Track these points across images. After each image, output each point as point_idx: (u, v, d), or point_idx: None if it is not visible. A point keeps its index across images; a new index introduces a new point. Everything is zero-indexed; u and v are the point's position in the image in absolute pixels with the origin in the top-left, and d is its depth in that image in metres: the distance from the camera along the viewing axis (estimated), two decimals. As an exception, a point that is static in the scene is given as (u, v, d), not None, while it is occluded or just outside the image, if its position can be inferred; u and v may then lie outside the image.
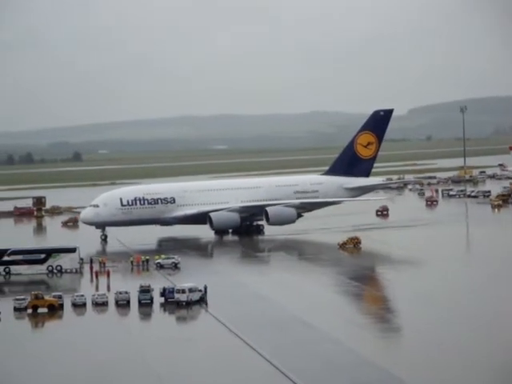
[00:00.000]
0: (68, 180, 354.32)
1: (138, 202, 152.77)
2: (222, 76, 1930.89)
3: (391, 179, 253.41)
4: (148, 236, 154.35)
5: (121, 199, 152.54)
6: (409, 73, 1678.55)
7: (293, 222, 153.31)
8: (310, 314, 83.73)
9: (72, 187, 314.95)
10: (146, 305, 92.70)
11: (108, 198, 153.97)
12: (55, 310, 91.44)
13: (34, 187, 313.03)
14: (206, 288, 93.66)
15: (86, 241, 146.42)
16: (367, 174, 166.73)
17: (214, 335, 78.22)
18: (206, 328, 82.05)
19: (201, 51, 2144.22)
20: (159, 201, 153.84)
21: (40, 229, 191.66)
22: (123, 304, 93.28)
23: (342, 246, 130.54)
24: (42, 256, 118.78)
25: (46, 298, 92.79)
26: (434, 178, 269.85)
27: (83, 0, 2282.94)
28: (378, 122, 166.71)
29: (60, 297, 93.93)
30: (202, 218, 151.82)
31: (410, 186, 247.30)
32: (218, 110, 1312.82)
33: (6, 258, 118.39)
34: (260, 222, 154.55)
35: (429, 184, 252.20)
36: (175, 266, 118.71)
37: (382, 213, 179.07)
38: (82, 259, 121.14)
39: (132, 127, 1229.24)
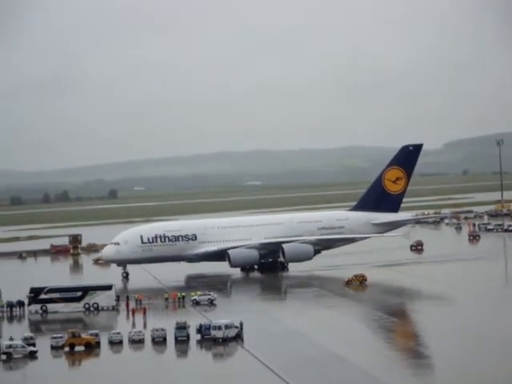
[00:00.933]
0: (104, 217, 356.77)
1: (158, 239, 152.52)
2: (257, 112, 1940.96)
3: (425, 214, 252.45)
4: (177, 273, 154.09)
5: (141, 236, 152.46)
6: (444, 106, 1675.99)
7: (309, 258, 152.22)
8: (345, 350, 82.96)
9: (108, 224, 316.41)
10: (182, 341, 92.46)
11: (129, 236, 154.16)
12: (92, 347, 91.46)
13: (70, 225, 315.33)
14: (241, 324, 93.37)
15: (120, 278, 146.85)
16: (396, 209, 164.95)
17: (251, 372, 77.74)
18: (242, 365, 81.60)
19: (235, 87, 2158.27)
20: (180, 238, 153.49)
21: (76, 266, 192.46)
22: (160, 341, 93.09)
23: (348, 283, 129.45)
24: (79, 294, 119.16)
25: (83, 335, 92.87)
26: (471, 212, 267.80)
27: (119, 34, 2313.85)
28: (407, 157, 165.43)
29: (97, 335, 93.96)
30: (222, 255, 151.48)
31: (446, 221, 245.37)
32: (254, 145, 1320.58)
33: (43, 296, 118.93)
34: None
35: (466, 218, 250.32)
36: (211, 303, 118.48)
37: (417, 248, 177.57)
38: (118, 296, 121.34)
39: (167, 164, 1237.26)
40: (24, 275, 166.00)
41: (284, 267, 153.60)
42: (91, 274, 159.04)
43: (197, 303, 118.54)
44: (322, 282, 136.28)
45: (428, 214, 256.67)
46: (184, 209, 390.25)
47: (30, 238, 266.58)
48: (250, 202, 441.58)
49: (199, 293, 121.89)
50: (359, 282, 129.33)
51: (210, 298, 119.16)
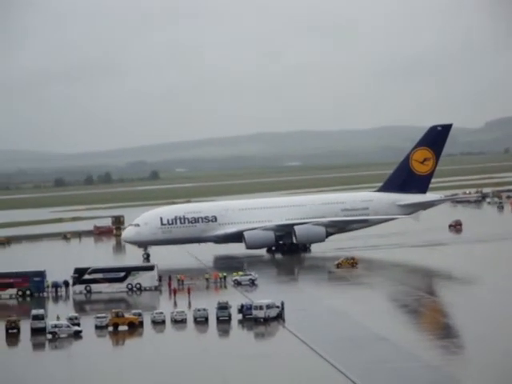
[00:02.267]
0: (145, 199, 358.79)
1: (178, 220, 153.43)
2: (296, 93, 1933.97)
3: (466, 193, 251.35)
4: (207, 254, 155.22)
5: (161, 218, 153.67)
6: (485, 85, 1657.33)
7: (321, 240, 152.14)
8: (387, 330, 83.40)
9: (149, 206, 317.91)
10: (224, 321, 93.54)
11: (149, 217, 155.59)
12: (135, 327, 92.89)
13: (112, 206, 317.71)
14: (283, 304, 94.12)
15: (159, 258, 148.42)
16: (424, 190, 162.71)
17: (292, 351, 78.51)
18: (284, 344, 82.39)
19: (275, 67, 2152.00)
20: (200, 219, 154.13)
21: (119, 247, 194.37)
22: (202, 321, 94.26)
23: (339, 266, 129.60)
24: (122, 274, 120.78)
25: (127, 315, 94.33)
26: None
27: (161, 20, 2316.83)
28: (436, 138, 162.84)
29: (140, 314, 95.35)
30: (241, 237, 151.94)
31: (488, 199, 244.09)
32: (293, 126, 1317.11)
33: (86, 277, 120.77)
34: None
35: (508, 197, 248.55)
36: (252, 283, 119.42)
37: (456, 227, 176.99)
38: (160, 277, 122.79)
39: (209, 145, 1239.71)
40: (68, 256, 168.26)
41: (306, 248, 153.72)
42: (134, 255, 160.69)
43: (238, 283, 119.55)
44: (369, 262, 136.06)
45: (469, 192, 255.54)
46: (224, 190, 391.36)
47: (74, 219, 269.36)
48: (289, 182, 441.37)
49: (240, 273, 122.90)
50: (350, 265, 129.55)
51: (251, 279, 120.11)
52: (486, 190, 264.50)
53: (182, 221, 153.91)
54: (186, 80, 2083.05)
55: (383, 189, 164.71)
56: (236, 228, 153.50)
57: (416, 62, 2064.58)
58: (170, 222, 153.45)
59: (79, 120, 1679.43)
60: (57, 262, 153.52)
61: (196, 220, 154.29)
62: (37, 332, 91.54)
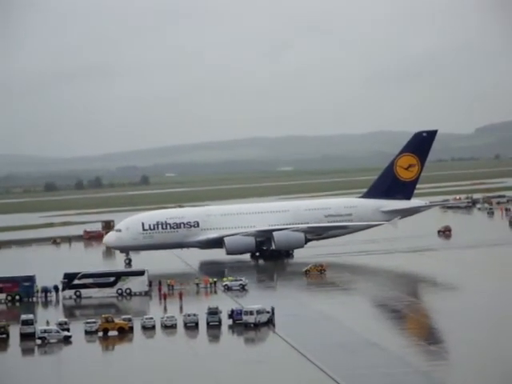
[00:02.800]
0: (136, 203, 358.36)
1: (159, 226, 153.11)
2: (289, 97, 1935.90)
3: (456, 198, 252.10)
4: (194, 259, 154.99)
5: (143, 224, 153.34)
6: (476, 91, 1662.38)
7: (300, 246, 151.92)
8: (376, 335, 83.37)
9: (140, 210, 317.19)
10: (214, 327, 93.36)
11: (130, 223, 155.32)
12: (125, 332, 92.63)
13: (102, 211, 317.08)
14: (273, 309, 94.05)
15: (151, 263, 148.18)
16: (409, 196, 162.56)
17: (283, 357, 78.39)
18: (274, 350, 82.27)
19: (266, 73, 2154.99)
20: (182, 225, 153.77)
21: (109, 252, 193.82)
22: (192, 326, 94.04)
23: (306, 273, 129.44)
24: (112, 279, 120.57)
25: (116, 320, 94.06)
26: (504, 196, 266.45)
27: (156, 23, 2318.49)
28: (421, 144, 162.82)
29: (130, 320, 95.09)
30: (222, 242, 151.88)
31: (478, 205, 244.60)
32: (285, 131, 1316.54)
33: (76, 282, 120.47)
34: None
35: (498, 203, 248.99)
36: (243, 288, 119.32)
37: (445, 233, 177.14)
38: (150, 282, 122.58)
39: (199, 150, 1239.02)
40: (58, 261, 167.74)
41: (289, 254, 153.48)
42: (124, 260, 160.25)
43: (228, 288, 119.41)
44: (358, 268, 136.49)
45: (459, 198, 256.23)
46: (214, 195, 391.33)
47: (64, 224, 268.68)
48: (282, 188, 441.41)
49: (231, 278, 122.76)
50: (318, 271, 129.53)
51: (241, 284, 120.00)
52: (476, 196, 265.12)
53: (164, 226, 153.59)
54: (180, 84, 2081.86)
55: (368, 195, 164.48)
56: (217, 234, 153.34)
57: (408, 68, 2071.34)
58: (152, 228, 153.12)
59: (70, 124, 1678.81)
60: (47, 266, 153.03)
61: (178, 225, 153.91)
62: (26, 337, 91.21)
